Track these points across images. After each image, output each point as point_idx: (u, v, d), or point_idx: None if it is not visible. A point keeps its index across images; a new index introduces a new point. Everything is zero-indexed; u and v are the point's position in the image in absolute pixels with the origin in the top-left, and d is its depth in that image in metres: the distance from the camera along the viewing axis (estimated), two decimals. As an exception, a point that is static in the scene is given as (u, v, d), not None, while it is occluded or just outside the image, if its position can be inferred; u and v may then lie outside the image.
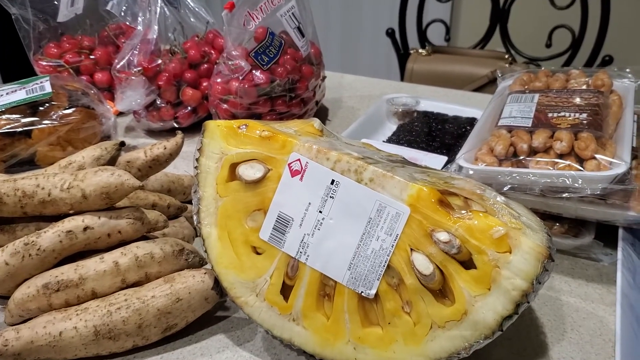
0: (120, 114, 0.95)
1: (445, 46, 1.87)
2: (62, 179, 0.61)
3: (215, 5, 2.96)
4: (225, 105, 0.90)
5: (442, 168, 0.71)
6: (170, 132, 1.00)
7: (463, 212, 0.49)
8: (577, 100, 0.73)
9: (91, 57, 1.03)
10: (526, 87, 0.82)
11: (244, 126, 0.57)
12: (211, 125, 0.59)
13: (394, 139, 0.93)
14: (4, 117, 0.83)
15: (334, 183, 0.52)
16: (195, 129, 1.02)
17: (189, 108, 0.98)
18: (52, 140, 0.84)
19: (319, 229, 0.53)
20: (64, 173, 0.62)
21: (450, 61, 1.77)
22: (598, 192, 0.62)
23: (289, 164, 0.54)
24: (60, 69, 1.03)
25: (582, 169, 0.64)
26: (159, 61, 0.95)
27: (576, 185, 0.62)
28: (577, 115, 0.70)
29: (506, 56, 1.73)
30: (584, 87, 0.78)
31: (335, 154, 0.53)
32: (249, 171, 0.56)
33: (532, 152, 0.68)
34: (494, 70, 1.69)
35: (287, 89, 0.90)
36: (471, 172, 0.67)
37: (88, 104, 0.86)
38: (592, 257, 0.71)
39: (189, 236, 0.71)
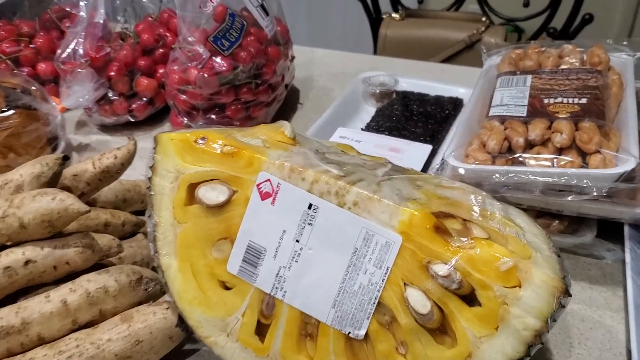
0: (68, 109, 0.86)
1: (419, 9, 1.77)
2: (-8, 209, 0.52)
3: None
4: (183, 96, 0.80)
5: (430, 169, 0.63)
6: (126, 126, 0.90)
7: (463, 239, 0.42)
8: (575, 82, 0.66)
9: (32, 45, 0.92)
10: (515, 66, 0.74)
11: (201, 139, 0.49)
12: (163, 138, 0.50)
13: (374, 126, 0.85)
14: None
15: (312, 208, 0.44)
16: (153, 121, 0.92)
17: (145, 99, 0.88)
18: (-10, 148, 0.74)
19: (296, 261, 0.45)
20: (-5, 199, 0.53)
21: (424, 25, 1.68)
22: (605, 192, 0.55)
23: (257, 185, 0.46)
24: (-3, 60, 0.92)
25: (585, 164, 0.57)
26: (108, 49, 0.85)
27: (581, 184, 0.56)
28: (575, 100, 0.63)
29: (483, 18, 1.65)
30: (579, 64, 0.71)
31: (312, 173, 0.45)
32: (211, 194, 0.48)
33: (529, 145, 0.61)
34: (471, 34, 1.61)
35: (253, 75, 0.81)
36: (462, 172, 0.60)
37: (29, 104, 0.76)
38: (594, 254, 0.65)
39: (148, 257, 0.63)
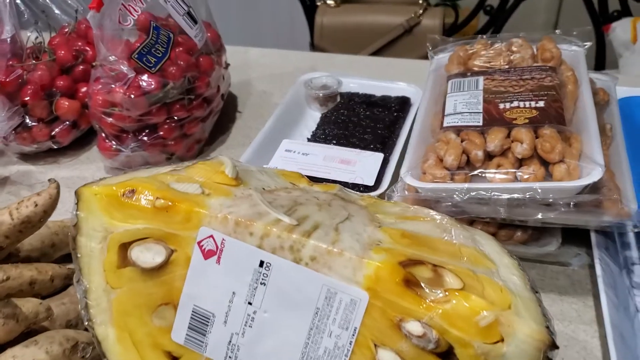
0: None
1: (354, -6, 1.72)
2: None
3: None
4: (110, 119, 0.73)
5: (388, 192, 0.59)
6: (49, 152, 0.82)
7: (437, 292, 0.37)
8: (529, 82, 0.62)
9: None
10: (464, 66, 0.70)
11: (129, 192, 0.42)
12: (85, 193, 0.44)
13: (320, 135, 0.80)
14: None
15: (264, 265, 0.39)
16: (79, 144, 0.84)
17: (68, 123, 0.80)
18: None
19: (250, 326, 0.40)
20: None
21: (361, 11, 1.63)
22: (572, 203, 0.52)
23: (198, 243, 0.40)
24: None
25: (548, 174, 0.54)
26: (20, 71, 0.76)
27: (547, 198, 0.52)
28: (532, 103, 0.59)
29: (420, 0, 1.62)
30: (530, 60, 0.67)
31: (261, 226, 0.39)
32: (146, 255, 0.42)
33: (487, 156, 0.57)
34: (409, 18, 1.57)
35: (185, 90, 0.74)
36: (421, 191, 0.55)
37: None
38: (560, 262, 0.62)
39: (85, 311, 0.56)
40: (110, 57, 0.68)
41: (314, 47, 1.77)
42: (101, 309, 0.44)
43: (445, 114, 0.62)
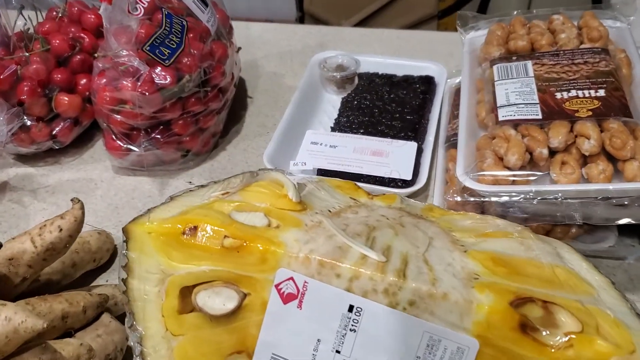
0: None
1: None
2: None
3: None
4: (119, 117, 0.67)
5: (422, 186, 0.54)
6: (49, 152, 0.75)
7: (556, 336, 0.33)
8: (583, 67, 0.58)
9: None
10: (505, 47, 0.65)
11: (190, 229, 0.37)
12: (136, 232, 0.38)
13: (344, 123, 0.75)
14: None
15: (354, 310, 0.35)
16: (81, 141, 0.77)
17: (69, 120, 0.73)
18: None
19: (340, 377, 0.36)
20: None
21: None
22: (647, 204, 0.49)
23: (276, 286, 0.36)
24: None
25: (618, 172, 0.51)
26: (14, 66, 0.68)
27: (622, 200, 0.49)
28: (592, 92, 0.55)
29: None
30: (576, 40, 0.63)
31: (349, 268, 0.35)
32: (215, 301, 0.37)
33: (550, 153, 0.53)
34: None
35: (201, 82, 0.68)
36: (484, 195, 0.51)
37: None
38: (615, 256, 0.60)
39: (121, 342, 0.51)
40: (122, 51, 0.61)
41: (302, 11, 1.69)
42: (160, 356, 0.39)
43: (498, 105, 0.57)
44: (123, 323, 0.53)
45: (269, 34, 0.99)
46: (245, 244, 0.36)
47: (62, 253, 0.52)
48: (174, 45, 0.64)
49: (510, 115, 0.55)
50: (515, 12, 0.70)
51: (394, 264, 0.36)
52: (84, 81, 0.74)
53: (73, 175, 0.74)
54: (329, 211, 0.42)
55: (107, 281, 0.61)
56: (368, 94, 0.79)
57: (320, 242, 0.37)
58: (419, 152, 0.69)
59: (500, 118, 0.56)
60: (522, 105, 0.56)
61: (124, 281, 0.39)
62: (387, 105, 0.76)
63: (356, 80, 0.82)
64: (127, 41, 0.61)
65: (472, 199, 0.52)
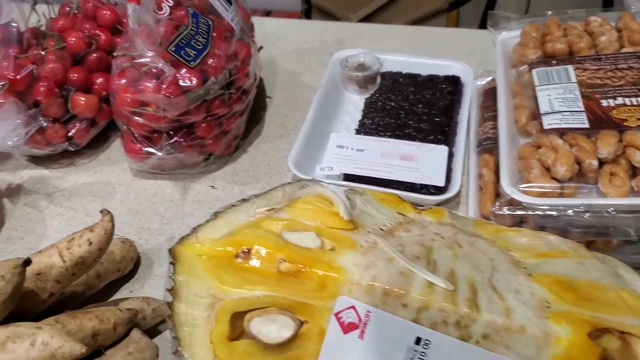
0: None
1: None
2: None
3: None
4: (140, 119, 0.64)
5: (456, 193, 0.52)
6: (64, 153, 0.72)
7: (639, 372, 0.32)
8: (628, 73, 0.56)
9: None
10: (542, 49, 0.63)
11: (244, 252, 0.35)
12: (185, 254, 0.36)
13: (370, 126, 0.72)
14: None
15: (421, 342, 0.33)
16: (96, 142, 0.75)
17: (85, 121, 0.70)
18: None
19: (404, 411, 0.34)
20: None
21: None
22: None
23: (336, 314, 0.34)
24: None
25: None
26: (31, 67, 0.65)
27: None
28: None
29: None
30: (617, 43, 0.61)
31: (418, 297, 0.33)
32: (270, 328, 0.35)
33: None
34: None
35: (226, 84, 0.65)
36: (536, 209, 0.49)
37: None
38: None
39: (153, 358, 0.49)
40: (148, 52, 0.58)
41: (308, 4, 1.66)
42: (208, 385, 0.37)
43: (542, 112, 0.55)
44: (151, 338, 0.51)
45: (285, 30, 0.97)
46: (303, 269, 0.34)
47: (92, 267, 0.49)
48: (200, 46, 0.61)
49: (556, 123, 0.54)
50: (549, 13, 0.68)
51: (463, 292, 0.34)
52: (100, 80, 0.71)
53: (89, 178, 0.71)
54: (381, 229, 0.40)
55: (130, 292, 0.58)
56: (392, 94, 0.76)
57: (380, 267, 0.35)
58: (450, 156, 0.67)
59: (546, 126, 0.54)
60: (567, 113, 0.54)
61: (170, 305, 0.37)
62: (413, 107, 0.74)
63: (379, 80, 0.80)
64: (152, 42, 0.59)
65: (520, 212, 0.50)
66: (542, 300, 0.35)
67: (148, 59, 0.60)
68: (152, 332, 0.53)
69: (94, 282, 0.55)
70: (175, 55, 0.61)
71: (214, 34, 0.66)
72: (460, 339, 0.33)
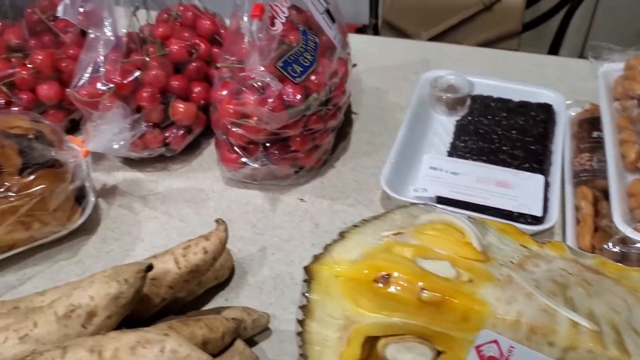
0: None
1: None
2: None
3: None
4: (239, 130, 0.65)
5: (552, 225, 0.52)
6: (157, 158, 0.74)
7: None
8: None
9: (28, 64, 0.73)
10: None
11: (383, 277, 0.35)
12: (323, 274, 0.37)
13: (461, 148, 0.72)
14: None
15: (566, 382, 0.32)
16: (189, 149, 0.76)
17: (183, 128, 0.72)
18: (10, 222, 0.58)
19: None
20: (71, 345, 0.39)
21: (435, -17, 1.53)
22: None
23: (477, 347, 0.34)
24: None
25: None
26: (137, 73, 0.67)
27: None
28: None
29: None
30: None
31: (566, 334, 0.32)
32: (406, 356, 0.35)
33: None
34: (487, -6, 1.47)
35: (325, 100, 0.66)
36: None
37: (53, 160, 0.60)
38: None
39: (257, 370, 0.50)
40: (260, 68, 0.59)
41: (376, 18, 1.67)
42: (334, 406, 0.37)
43: (657, 152, 0.54)
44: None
45: (368, 47, 0.97)
46: (445, 300, 0.34)
47: (204, 275, 0.50)
48: (307, 63, 0.62)
49: (673, 161, 0.52)
50: (655, 47, 0.67)
51: (608, 334, 0.33)
52: (198, 89, 0.73)
53: (182, 183, 0.72)
54: (511, 262, 0.39)
55: (226, 300, 0.59)
56: (484, 118, 0.76)
57: (521, 302, 0.35)
58: (546, 185, 0.66)
59: (662, 165, 0.53)
60: (684, 153, 0.53)
61: (301, 322, 0.37)
62: (506, 132, 0.73)
63: (468, 102, 0.80)
64: (263, 57, 0.60)
65: (633, 250, 0.49)
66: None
67: (257, 73, 0.61)
68: (248, 343, 0.54)
69: (195, 289, 0.56)
70: (282, 71, 0.62)
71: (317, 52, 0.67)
72: (609, 382, 0.32)
